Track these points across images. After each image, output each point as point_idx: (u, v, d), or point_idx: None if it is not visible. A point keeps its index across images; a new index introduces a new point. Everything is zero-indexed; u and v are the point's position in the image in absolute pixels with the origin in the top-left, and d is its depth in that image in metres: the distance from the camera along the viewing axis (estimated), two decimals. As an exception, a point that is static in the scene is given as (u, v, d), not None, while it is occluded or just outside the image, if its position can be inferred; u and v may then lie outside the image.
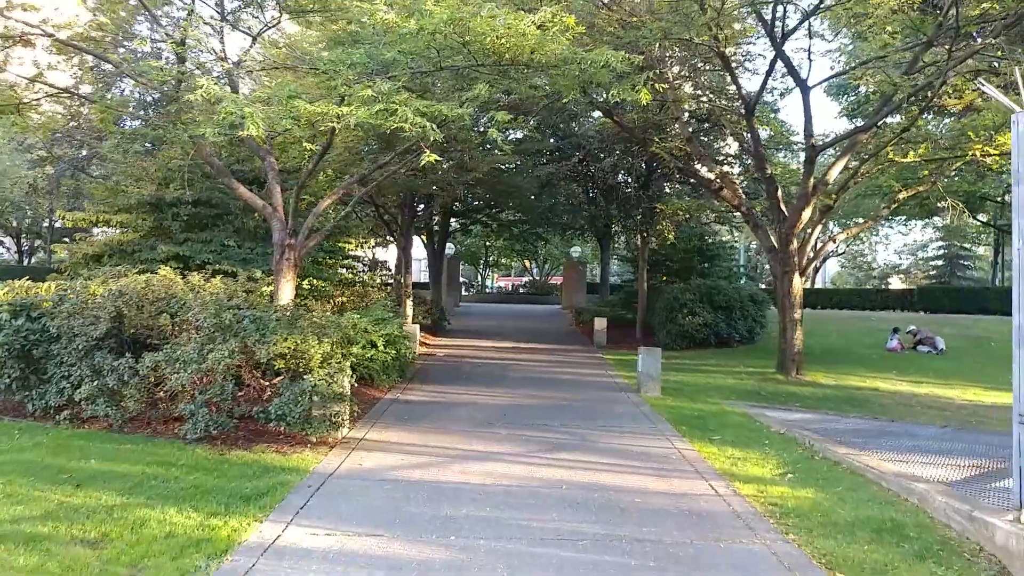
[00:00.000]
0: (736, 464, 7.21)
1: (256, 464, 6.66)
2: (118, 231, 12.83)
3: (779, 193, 13.80)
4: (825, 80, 13.33)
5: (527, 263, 54.75)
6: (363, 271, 17.04)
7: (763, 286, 28.05)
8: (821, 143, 13.24)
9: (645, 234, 19.23)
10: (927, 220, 34.28)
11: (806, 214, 13.48)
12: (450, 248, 33.92)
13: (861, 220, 20.15)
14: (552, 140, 20.57)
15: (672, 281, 21.96)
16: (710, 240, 21.84)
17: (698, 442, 8.14)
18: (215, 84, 7.08)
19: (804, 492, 6.20)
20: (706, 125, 18.24)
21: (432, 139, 6.64)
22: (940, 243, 54.95)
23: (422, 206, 25.34)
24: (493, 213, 28.19)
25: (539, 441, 8.00)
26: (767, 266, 58.24)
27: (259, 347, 6.92)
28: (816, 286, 45.54)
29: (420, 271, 37.35)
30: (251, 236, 13.20)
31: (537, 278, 53.18)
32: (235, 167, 14.15)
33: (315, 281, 13.01)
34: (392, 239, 22.37)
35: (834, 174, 13.31)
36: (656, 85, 13.47)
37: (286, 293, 11.86)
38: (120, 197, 12.80)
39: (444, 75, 8.18)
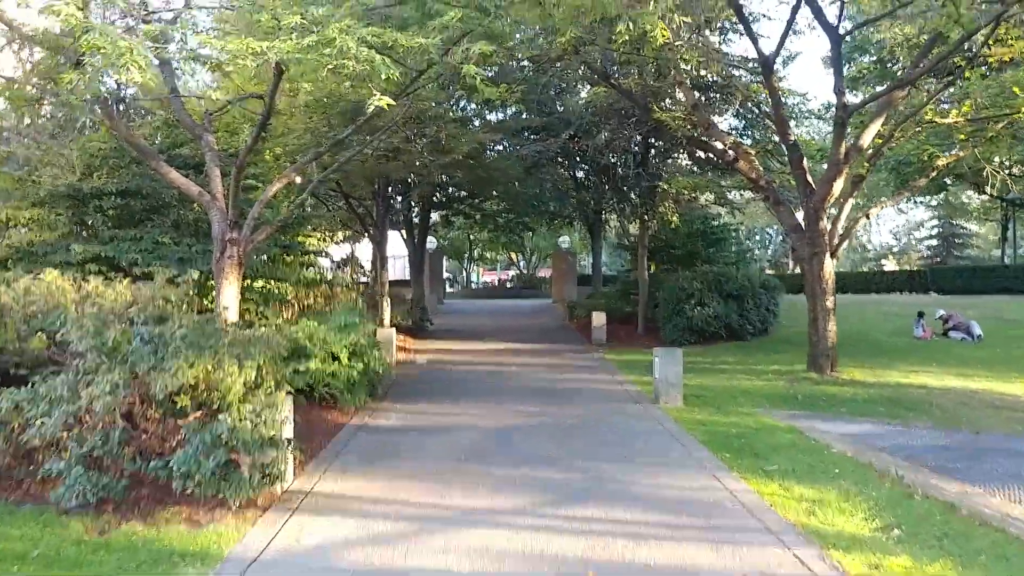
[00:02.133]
0: (815, 512, 5.33)
1: (149, 547, 4.68)
2: (26, 230, 10.73)
3: (805, 163, 11.94)
4: (863, 24, 11.41)
5: (513, 256, 52.77)
6: (331, 269, 14.99)
7: (770, 271, 26.35)
8: (854, 103, 11.39)
9: (645, 218, 17.31)
10: (933, 196, 32.67)
11: (837, 186, 11.63)
12: (431, 242, 31.88)
13: (884, 196, 18.34)
14: (537, 117, 18.58)
15: (674, 269, 20.09)
16: (714, 223, 19.98)
17: (751, 476, 6.26)
18: (77, 8, 5.03)
19: (937, 568, 4.31)
20: (710, 94, 16.34)
21: (385, 77, 4.67)
22: (936, 222, 53.70)
23: (399, 197, 23.34)
24: (476, 203, 26.20)
25: (544, 486, 6.06)
26: (769, 249, 56.68)
27: (154, 377, 4.92)
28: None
29: (402, 268, 35.32)
30: (192, 231, 11.15)
31: (524, 271, 51.22)
32: (175, 152, 12.09)
33: (270, 283, 11.00)
34: (367, 234, 20.36)
35: (868, 137, 11.46)
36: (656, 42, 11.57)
37: (229, 297, 9.86)
38: (29, 189, 10.69)
39: (407, 8, 6.21)
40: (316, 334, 9.26)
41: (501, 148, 23.08)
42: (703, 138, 12.56)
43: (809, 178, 11.89)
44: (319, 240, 13.54)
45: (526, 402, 10.00)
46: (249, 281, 11.42)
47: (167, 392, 4.85)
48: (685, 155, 18.04)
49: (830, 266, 11.96)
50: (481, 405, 9.82)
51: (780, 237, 57.57)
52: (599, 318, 17.43)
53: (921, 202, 40.76)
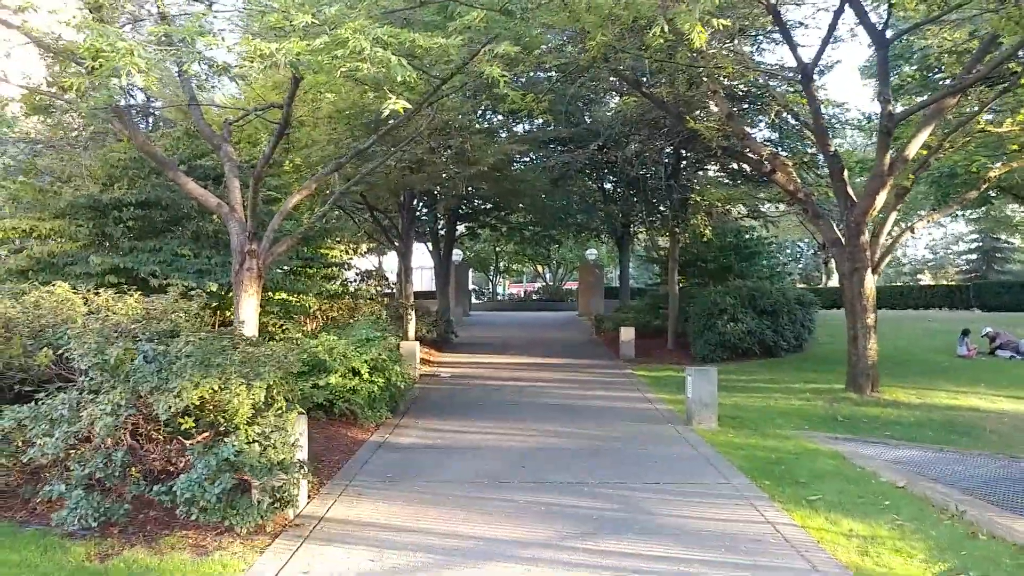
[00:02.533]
0: (867, 552, 4.85)
1: (150, 577, 4.40)
2: (50, 242, 10.65)
3: (845, 174, 11.41)
4: (912, 28, 10.86)
5: (539, 268, 52.40)
6: (354, 281, 14.78)
7: (801, 285, 25.63)
8: (900, 110, 10.85)
9: (676, 230, 16.83)
10: (974, 209, 31.57)
11: (880, 198, 11.08)
12: (457, 254, 31.69)
13: (923, 210, 17.58)
14: (565, 128, 18.26)
15: (705, 283, 19.55)
16: (747, 236, 19.40)
17: (794, 507, 5.79)
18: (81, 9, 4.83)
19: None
20: (744, 104, 15.88)
21: (401, 80, 4.37)
22: (975, 236, 52.09)
23: (424, 209, 23.16)
24: (502, 215, 25.95)
25: (573, 515, 5.66)
26: (800, 263, 55.48)
27: (157, 397, 4.66)
28: (833, 284, 42.94)
29: (428, 280, 35.13)
30: (212, 243, 11.00)
31: (551, 284, 50.78)
32: (195, 163, 12.00)
33: (290, 296, 10.79)
34: (393, 247, 20.19)
35: (915, 147, 10.90)
36: (688, 51, 11.20)
37: (247, 310, 9.65)
38: (51, 200, 10.64)
39: (427, 11, 5.93)
40: (336, 348, 9.00)
41: (528, 160, 22.83)
42: (739, 149, 12.10)
43: (850, 190, 11.37)
44: (342, 252, 13.31)
45: (552, 421, 9.61)
46: (272, 294, 11.24)
47: (170, 413, 4.57)
48: (718, 167, 17.56)
49: (871, 282, 11.40)
50: (505, 423, 9.45)
51: (812, 251, 56.41)
52: (627, 333, 16.97)
53: (961, 215, 39.54)
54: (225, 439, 4.80)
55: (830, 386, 12.27)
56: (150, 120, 17.68)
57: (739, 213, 20.64)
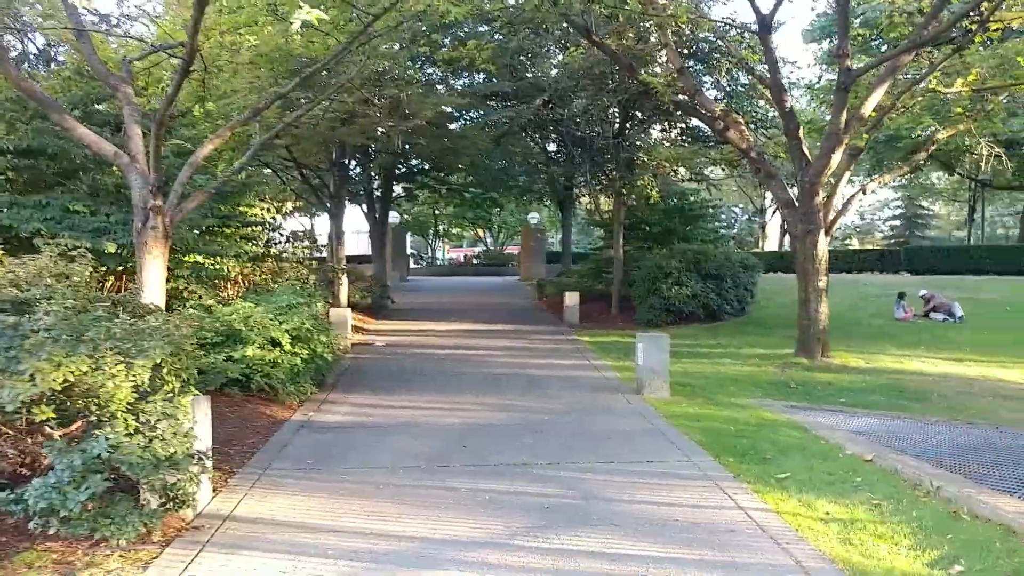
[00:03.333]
0: (850, 540, 4.36)
1: (-7, 609, 3.49)
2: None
3: (801, 133, 10.97)
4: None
5: (480, 232, 51.51)
6: (279, 243, 13.60)
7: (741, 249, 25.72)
8: (857, 67, 10.40)
9: (623, 192, 16.23)
10: (903, 177, 32.28)
11: (836, 158, 10.70)
12: (394, 217, 30.45)
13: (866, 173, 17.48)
14: (509, 82, 17.31)
15: (648, 247, 19.14)
16: (691, 199, 19.01)
17: (764, 489, 5.28)
18: None
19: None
20: (691, 63, 15.26)
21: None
22: (898, 202, 53.91)
23: (358, 168, 21.89)
24: (441, 176, 24.87)
25: (521, 505, 4.99)
26: (734, 228, 56.32)
27: (2, 382, 3.68)
28: (768, 248, 43.76)
29: (366, 245, 33.73)
30: (113, 199, 9.71)
31: (492, 248, 49.99)
32: (92, 108, 10.59)
33: (204, 258, 9.64)
34: (324, 207, 18.92)
35: (870, 105, 10.51)
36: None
37: (152, 275, 8.53)
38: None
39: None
40: (253, 316, 8.02)
41: (469, 119, 21.77)
42: (692, 104, 11.48)
43: (805, 149, 10.94)
44: (264, 210, 12.12)
45: (495, 393, 8.93)
46: (183, 257, 10.04)
47: (18, 404, 3.61)
48: (667, 126, 16.98)
49: (824, 244, 11.09)
50: (444, 396, 8.71)
51: (746, 216, 57.42)
52: (572, 298, 16.43)
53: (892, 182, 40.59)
54: (97, 431, 3.88)
55: (778, 351, 12.03)
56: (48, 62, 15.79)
57: (682, 176, 20.24)
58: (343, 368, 10.53)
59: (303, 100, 12.73)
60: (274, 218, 12.65)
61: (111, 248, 8.45)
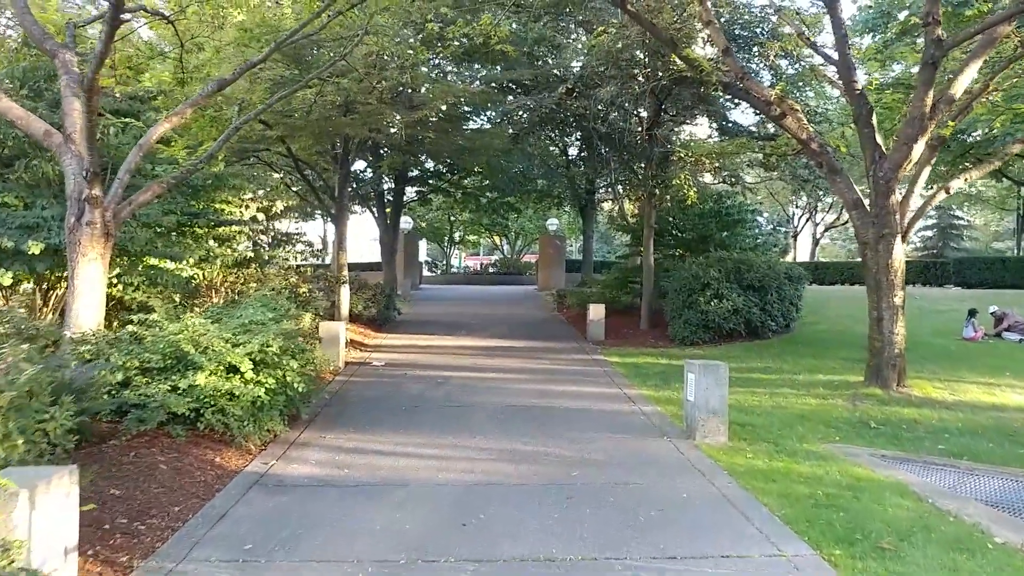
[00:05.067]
0: None
1: None
2: None
3: (874, 119, 9.20)
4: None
5: (497, 239, 49.86)
6: (267, 246, 12.03)
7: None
8: (949, 38, 8.61)
9: (656, 191, 14.48)
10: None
11: (917, 148, 8.91)
12: (407, 222, 28.92)
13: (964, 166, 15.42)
14: (528, 70, 15.68)
15: (680, 256, 17.36)
16: (727, 202, 17.19)
17: (904, 613, 3.53)
18: None
19: None
20: (733, 48, 13.53)
21: None
22: (932, 212, 51.48)
23: (367, 169, 20.39)
24: (456, 179, 23.29)
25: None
26: (758, 239, 54.50)
27: None
28: (799, 259, 41.64)
29: (378, 251, 32.18)
30: (56, 191, 8.19)
31: (508, 256, 48.29)
32: (43, 85, 9.10)
33: (160, 261, 8.07)
34: (325, 209, 17.38)
35: (963, 84, 8.72)
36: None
37: (86, 281, 7.00)
38: None
39: None
40: (207, 336, 6.41)
41: (485, 118, 20.21)
42: (741, 87, 9.76)
43: (879, 138, 9.16)
44: (244, 208, 10.55)
45: (508, 434, 7.21)
46: (139, 260, 8.48)
47: None
48: (705, 119, 15.23)
49: (901, 252, 9.28)
50: (443, 439, 7.01)
51: (771, 226, 55.35)
52: (597, 311, 14.70)
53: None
54: None
55: (843, 378, 10.21)
56: None
57: (714, 179, 18.47)
58: (327, 396, 8.89)
59: (287, 77, 11.19)
60: (260, 219, 11.07)
61: (35, 248, 6.89)
